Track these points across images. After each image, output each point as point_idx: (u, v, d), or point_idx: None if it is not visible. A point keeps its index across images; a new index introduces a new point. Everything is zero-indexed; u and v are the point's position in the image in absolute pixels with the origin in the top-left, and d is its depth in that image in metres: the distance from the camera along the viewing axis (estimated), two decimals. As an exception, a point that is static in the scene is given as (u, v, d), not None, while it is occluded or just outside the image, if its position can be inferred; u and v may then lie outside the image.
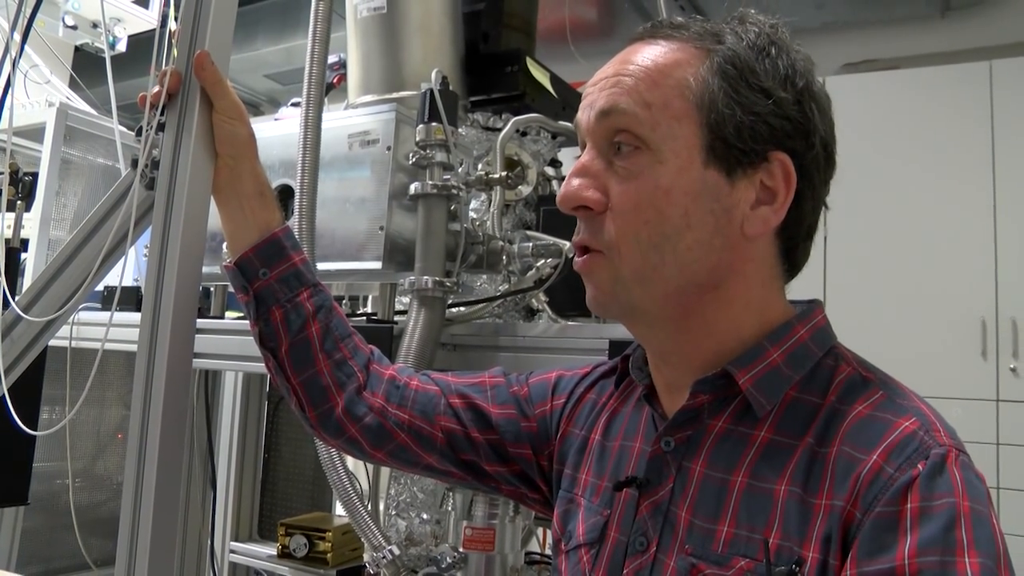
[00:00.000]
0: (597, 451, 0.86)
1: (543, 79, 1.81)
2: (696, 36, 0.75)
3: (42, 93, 2.73)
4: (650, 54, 0.74)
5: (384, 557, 1.22)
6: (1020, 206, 3.29)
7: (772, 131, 0.72)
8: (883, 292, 3.43)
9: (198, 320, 1.55)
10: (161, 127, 0.91)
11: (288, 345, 0.94)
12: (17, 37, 1.10)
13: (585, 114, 0.76)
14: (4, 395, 0.94)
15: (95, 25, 3.03)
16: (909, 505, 0.60)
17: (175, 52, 0.92)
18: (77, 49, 3.40)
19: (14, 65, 1.03)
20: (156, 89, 0.91)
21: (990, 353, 3.26)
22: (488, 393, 0.95)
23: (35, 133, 2.50)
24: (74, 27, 3.01)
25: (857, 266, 3.47)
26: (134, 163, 0.90)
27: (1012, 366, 3.21)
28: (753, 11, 0.79)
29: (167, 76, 0.91)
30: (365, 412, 0.94)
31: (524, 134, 1.71)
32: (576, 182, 0.74)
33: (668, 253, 0.71)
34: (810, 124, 0.75)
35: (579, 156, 0.78)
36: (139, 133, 0.92)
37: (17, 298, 0.97)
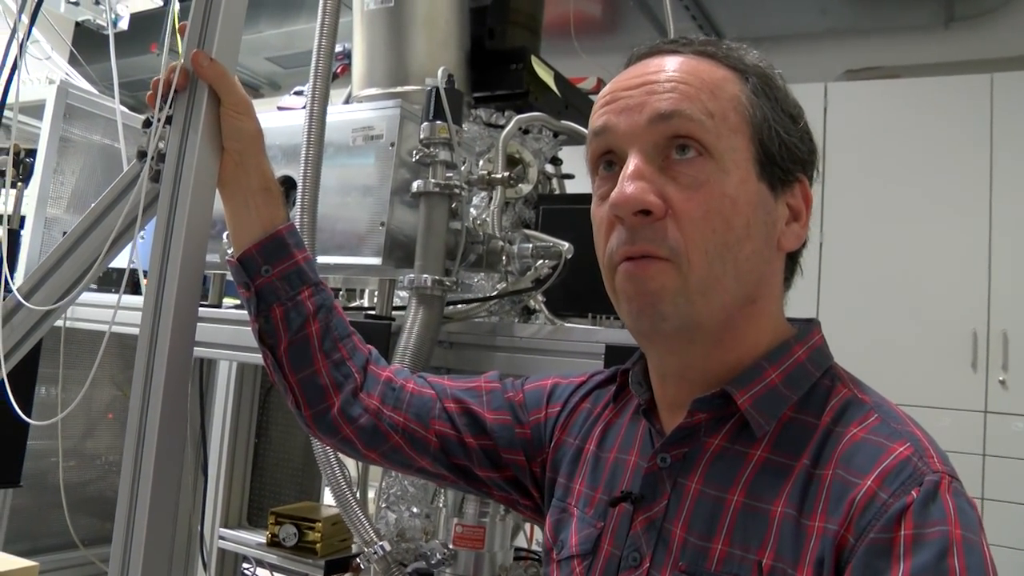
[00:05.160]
0: (592, 462, 0.86)
1: (547, 78, 1.81)
2: (724, 56, 0.76)
3: (42, 70, 2.71)
4: (695, 67, 0.74)
5: (375, 552, 1.23)
6: (1016, 219, 3.31)
7: (801, 155, 0.76)
8: (877, 301, 3.45)
9: (195, 308, 1.56)
10: (168, 120, 0.91)
11: (287, 343, 0.94)
12: (25, 19, 1.09)
13: (625, 117, 0.73)
14: (4, 380, 0.94)
15: (97, 1, 3.01)
16: (903, 532, 0.60)
17: (180, 48, 0.91)
18: (78, 25, 3.38)
19: (21, 47, 1.03)
20: (162, 78, 0.91)
21: (980, 365, 3.28)
22: (483, 398, 0.96)
23: (34, 110, 2.48)
24: (76, 3, 2.98)
25: (851, 275, 3.49)
26: (141, 155, 0.90)
27: (1001, 378, 3.24)
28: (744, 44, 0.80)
29: (175, 72, 0.91)
30: (360, 413, 0.94)
31: (526, 132, 1.71)
32: (637, 185, 0.71)
33: (730, 263, 0.71)
34: (816, 153, 0.78)
35: (611, 162, 0.76)
36: (146, 125, 0.92)
37: (18, 284, 0.97)
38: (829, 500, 0.65)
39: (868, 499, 0.63)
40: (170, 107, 0.91)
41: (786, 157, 0.74)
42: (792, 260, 0.80)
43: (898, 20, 3.69)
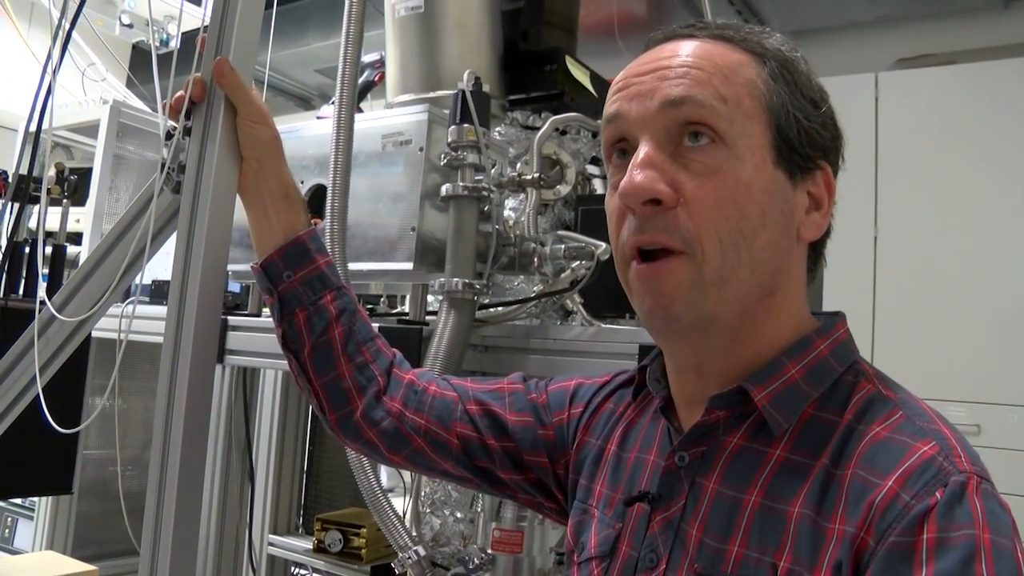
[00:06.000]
0: (613, 462, 0.85)
1: (583, 78, 1.80)
2: (743, 41, 0.74)
3: (99, 91, 2.80)
4: (708, 51, 0.72)
5: (409, 558, 1.23)
6: (1082, 207, 3.15)
7: (822, 140, 0.73)
8: (936, 294, 3.32)
9: (235, 318, 1.58)
10: (188, 132, 0.93)
11: (310, 348, 0.94)
12: (66, 26, 1.13)
13: (637, 104, 0.71)
14: (39, 393, 0.97)
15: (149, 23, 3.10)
16: (925, 536, 0.57)
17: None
18: (135, 47, 3.49)
19: (55, 73, 1.06)
20: (179, 94, 0.93)
21: (1051, 359, 3.14)
22: (505, 400, 0.95)
23: (91, 129, 2.58)
24: (130, 25, 3.08)
25: (909, 267, 3.36)
26: (161, 167, 0.92)
27: (1072, 372, 3.10)
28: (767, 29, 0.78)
29: (192, 84, 0.93)
30: (383, 417, 0.94)
31: (564, 133, 1.70)
32: (645, 174, 0.69)
33: (745, 252, 0.69)
34: (841, 139, 0.75)
35: (624, 150, 0.74)
36: (168, 138, 0.94)
37: (52, 298, 1.00)
38: (848, 501, 0.62)
39: (889, 501, 0.59)
40: (188, 119, 0.93)
41: (806, 144, 0.72)
42: (816, 251, 0.77)
43: (953, 3, 3.56)
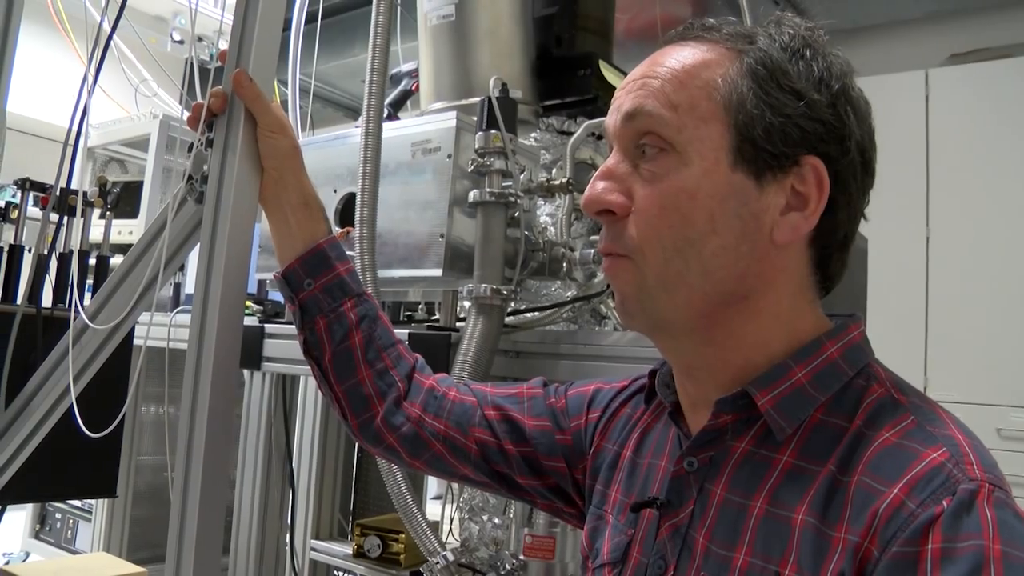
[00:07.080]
0: (628, 468, 0.84)
1: (617, 82, 1.79)
2: (727, 37, 0.72)
3: (151, 106, 2.89)
4: (679, 56, 0.72)
5: (438, 563, 1.23)
6: None
7: (804, 134, 0.68)
8: (991, 296, 3.20)
9: (272, 326, 1.61)
10: (210, 143, 0.95)
11: (331, 354, 0.96)
12: (102, 40, 1.17)
13: (612, 118, 0.74)
14: (72, 401, 1.00)
15: (200, 39, 3.18)
16: (930, 546, 0.55)
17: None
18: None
19: (90, 92, 1.10)
20: (202, 104, 0.95)
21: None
22: (524, 405, 0.95)
23: (143, 143, 2.66)
24: (181, 42, 3.17)
25: (963, 268, 3.25)
26: (183, 177, 0.94)
27: None
28: (790, 14, 0.76)
29: (212, 96, 0.95)
30: (402, 422, 0.95)
31: (600, 137, 1.70)
32: (600, 185, 0.72)
33: (692, 258, 0.69)
34: (845, 128, 0.70)
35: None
36: (190, 149, 0.96)
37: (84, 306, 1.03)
38: (853, 509, 0.60)
39: (894, 509, 0.57)
40: (211, 131, 0.95)
41: (778, 139, 0.68)
42: (824, 251, 0.73)
43: (1008, -5, 3.45)
